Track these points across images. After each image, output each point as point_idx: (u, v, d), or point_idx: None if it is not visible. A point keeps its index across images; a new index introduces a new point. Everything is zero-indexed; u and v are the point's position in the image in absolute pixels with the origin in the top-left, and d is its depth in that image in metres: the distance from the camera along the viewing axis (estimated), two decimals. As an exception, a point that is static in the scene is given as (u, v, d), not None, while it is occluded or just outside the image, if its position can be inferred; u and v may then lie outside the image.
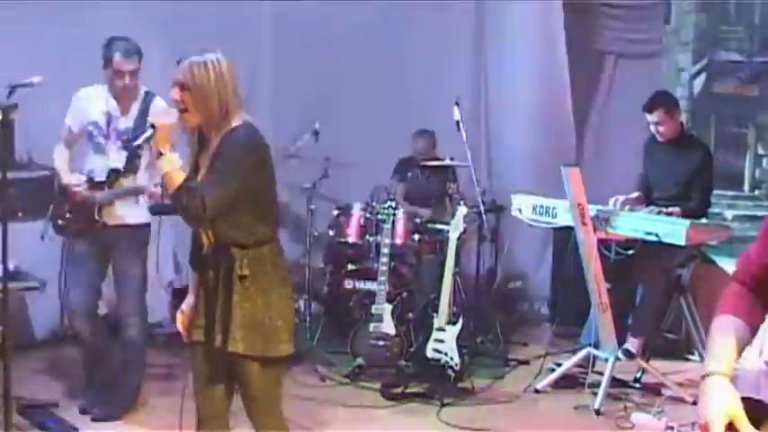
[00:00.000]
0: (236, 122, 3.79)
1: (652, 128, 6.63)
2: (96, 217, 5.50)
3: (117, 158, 5.57)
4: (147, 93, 5.59)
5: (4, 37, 6.92)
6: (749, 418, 2.49)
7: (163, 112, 4.08)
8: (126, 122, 5.57)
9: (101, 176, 5.57)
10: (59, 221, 5.64)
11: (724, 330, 2.69)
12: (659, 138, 6.64)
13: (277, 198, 4.04)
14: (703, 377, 2.60)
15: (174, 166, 3.75)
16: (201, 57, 3.78)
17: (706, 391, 2.54)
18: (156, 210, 5.23)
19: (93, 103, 5.61)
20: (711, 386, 2.54)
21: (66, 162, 5.70)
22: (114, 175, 5.55)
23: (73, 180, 5.58)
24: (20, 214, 6.43)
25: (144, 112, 5.51)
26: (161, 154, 3.76)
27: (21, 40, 6.99)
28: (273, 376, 3.98)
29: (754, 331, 2.71)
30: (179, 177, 3.72)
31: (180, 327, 4.06)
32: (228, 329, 3.77)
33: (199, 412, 4.00)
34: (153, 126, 3.80)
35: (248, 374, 3.87)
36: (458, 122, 7.14)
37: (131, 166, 5.56)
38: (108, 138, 5.58)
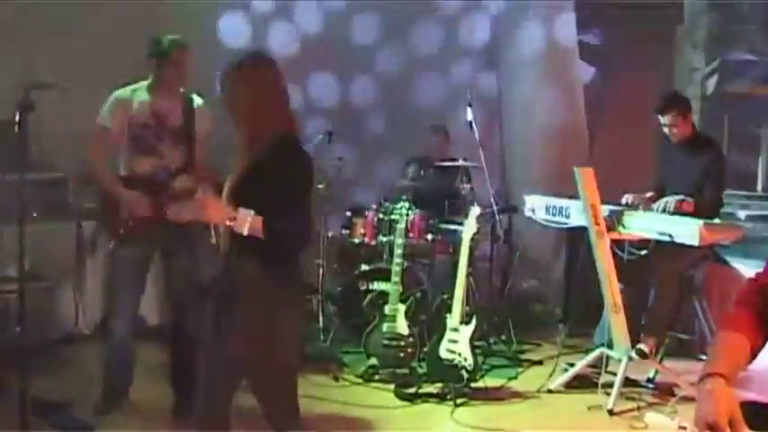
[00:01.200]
0: (283, 134, 3.77)
1: (665, 129, 6.64)
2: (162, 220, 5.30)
3: (171, 158, 5.47)
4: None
5: (16, 39, 6.97)
6: (764, 421, 2.51)
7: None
8: (175, 120, 5.47)
9: (159, 178, 5.47)
10: (121, 231, 5.50)
11: (724, 339, 2.72)
12: (672, 139, 6.66)
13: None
14: (702, 378, 2.61)
15: (248, 222, 3.64)
16: (251, 53, 3.80)
17: (710, 392, 2.54)
18: None
19: (137, 103, 5.53)
20: (714, 387, 2.54)
21: (113, 174, 5.56)
22: (174, 175, 5.46)
23: (134, 198, 5.43)
24: (34, 215, 6.45)
25: (187, 109, 5.48)
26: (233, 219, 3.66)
27: (32, 41, 7.04)
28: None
29: (754, 353, 2.72)
30: (258, 224, 3.64)
31: None
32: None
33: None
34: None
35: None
36: (471, 123, 7.17)
37: (189, 165, 5.48)
38: (161, 138, 5.46)
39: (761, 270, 2.86)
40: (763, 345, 2.78)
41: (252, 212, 3.63)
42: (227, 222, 3.66)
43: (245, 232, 3.63)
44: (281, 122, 3.79)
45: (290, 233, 3.68)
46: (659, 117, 6.63)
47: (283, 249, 3.75)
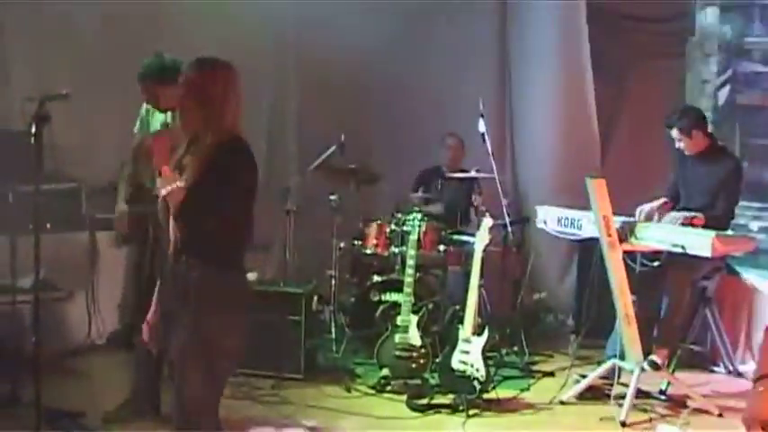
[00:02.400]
0: (233, 134, 3.84)
1: (675, 144, 6.68)
2: None
3: None
4: None
5: (28, 50, 7.02)
6: None
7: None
8: None
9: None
10: None
11: None
12: (684, 152, 6.68)
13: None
14: (757, 380, 2.64)
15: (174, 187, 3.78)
16: (210, 59, 3.87)
17: (761, 393, 2.55)
18: None
19: (155, 115, 5.62)
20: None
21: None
22: None
23: None
24: (48, 225, 6.48)
25: None
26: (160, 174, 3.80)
27: (44, 51, 7.09)
28: None
29: None
30: (179, 195, 3.76)
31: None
32: None
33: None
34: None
35: None
36: (483, 134, 7.18)
37: None
38: None
39: None
40: None
41: (182, 184, 3.75)
42: (161, 172, 3.78)
43: (163, 193, 3.77)
44: (228, 127, 3.85)
45: (225, 232, 3.78)
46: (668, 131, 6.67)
47: (221, 249, 3.84)
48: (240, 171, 3.83)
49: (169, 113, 5.55)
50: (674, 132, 6.65)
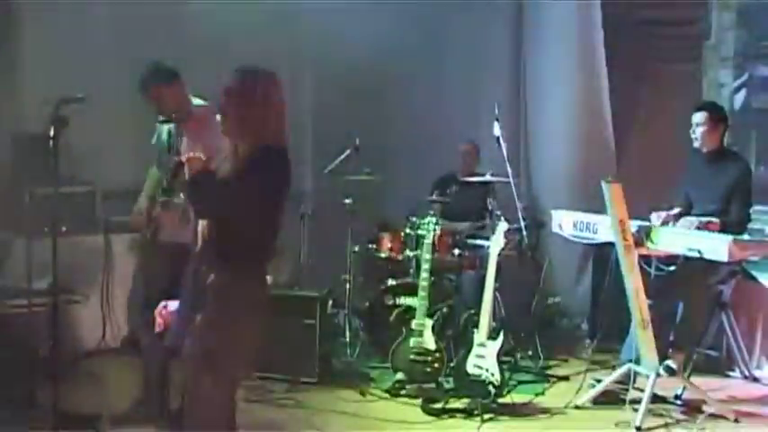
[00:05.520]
0: (272, 141, 3.88)
1: (692, 133, 6.62)
2: None
3: None
4: None
5: (40, 52, 7.04)
6: None
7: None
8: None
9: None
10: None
11: None
12: (695, 143, 6.64)
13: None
14: None
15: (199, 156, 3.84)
16: (252, 67, 3.89)
17: None
18: None
19: (162, 128, 5.69)
20: None
21: None
22: None
23: None
24: (63, 229, 6.49)
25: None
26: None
27: (59, 54, 7.12)
28: None
29: None
30: (199, 164, 3.83)
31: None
32: None
33: None
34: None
35: None
36: (498, 138, 7.18)
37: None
38: None
39: None
40: None
41: (204, 156, 3.83)
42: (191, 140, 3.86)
43: (184, 158, 3.84)
44: (268, 135, 3.89)
45: (251, 237, 3.84)
46: (693, 116, 6.62)
47: (246, 254, 3.88)
48: (270, 180, 3.85)
49: (173, 126, 5.57)
50: (700, 116, 6.58)
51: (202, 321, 3.86)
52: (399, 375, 6.62)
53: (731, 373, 7.15)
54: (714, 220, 6.32)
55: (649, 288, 6.23)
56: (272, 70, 3.98)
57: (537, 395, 6.69)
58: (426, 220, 6.98)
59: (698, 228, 6.24)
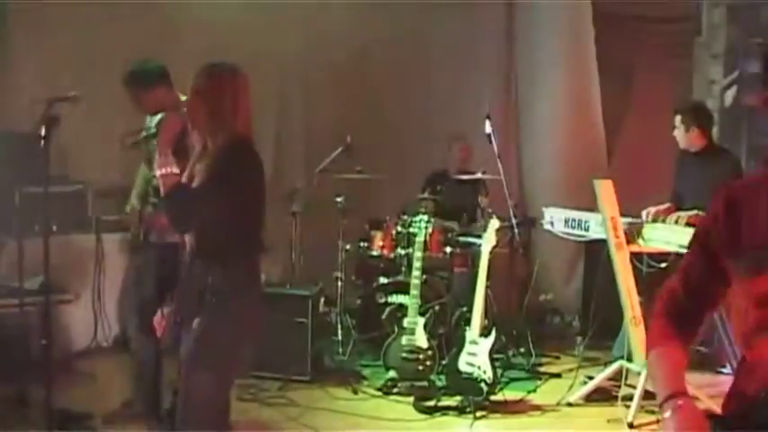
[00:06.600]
0: (240, 137, 3.87)
1: (674, 133, 6.64)
2: None
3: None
4: None
5: (30, 51, 7.03)
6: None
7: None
8: None
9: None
10: None
11: (661, 359, 2.66)
12: (680, 144, 6.65)
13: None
14: (663, 402, 2.51)
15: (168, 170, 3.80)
16: (218, 63, 3.88)
17: (680, 413, 2.44)
18: None
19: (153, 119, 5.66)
20: (683, 408, 2.45)
21: None
22: None
23: None
24: (54, 228, 6.48)
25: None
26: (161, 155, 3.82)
27: (47, 54, 7.10)
28: None
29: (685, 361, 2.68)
30: (171, 180, 3.79)
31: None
32: None
33: None
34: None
35: None
36: (489, 135, 7.18)
37: None
38: None
39: (673, 278, 2.76)
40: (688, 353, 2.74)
41: (176, 170, 3.79)
42: (162, 153, 3.79)
43: (158, 173, 3.78)
44: (236, 129, 3.87)
45: (234, 235, 3.83)
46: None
47: (232, 252, 3.86)
48: (244, 173, 3.85)
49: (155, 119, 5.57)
50: (676, 119, 6.61)
51: (196, 321, 3.86)
52: (391, 373, 6.61)
53: (722, 370, 7.16)
54: (702, 213, 6.33)
55: (640, 285, 6.25)
56: (237, 65, 3.97)
57: (529, 392, 6.69)
58: (418, 219, 6.98)
59: (688, 223, 6.25)
